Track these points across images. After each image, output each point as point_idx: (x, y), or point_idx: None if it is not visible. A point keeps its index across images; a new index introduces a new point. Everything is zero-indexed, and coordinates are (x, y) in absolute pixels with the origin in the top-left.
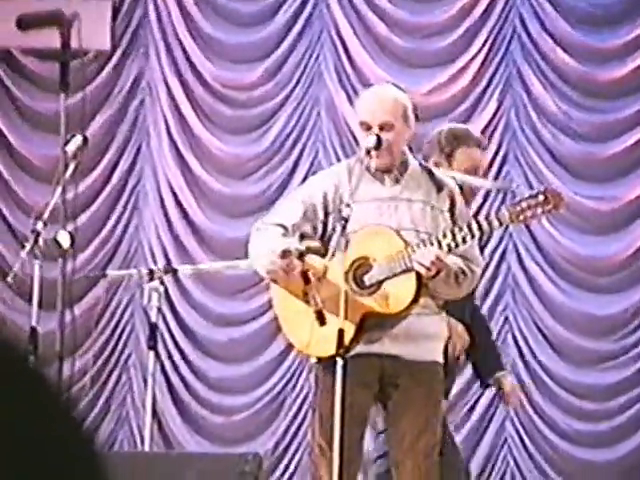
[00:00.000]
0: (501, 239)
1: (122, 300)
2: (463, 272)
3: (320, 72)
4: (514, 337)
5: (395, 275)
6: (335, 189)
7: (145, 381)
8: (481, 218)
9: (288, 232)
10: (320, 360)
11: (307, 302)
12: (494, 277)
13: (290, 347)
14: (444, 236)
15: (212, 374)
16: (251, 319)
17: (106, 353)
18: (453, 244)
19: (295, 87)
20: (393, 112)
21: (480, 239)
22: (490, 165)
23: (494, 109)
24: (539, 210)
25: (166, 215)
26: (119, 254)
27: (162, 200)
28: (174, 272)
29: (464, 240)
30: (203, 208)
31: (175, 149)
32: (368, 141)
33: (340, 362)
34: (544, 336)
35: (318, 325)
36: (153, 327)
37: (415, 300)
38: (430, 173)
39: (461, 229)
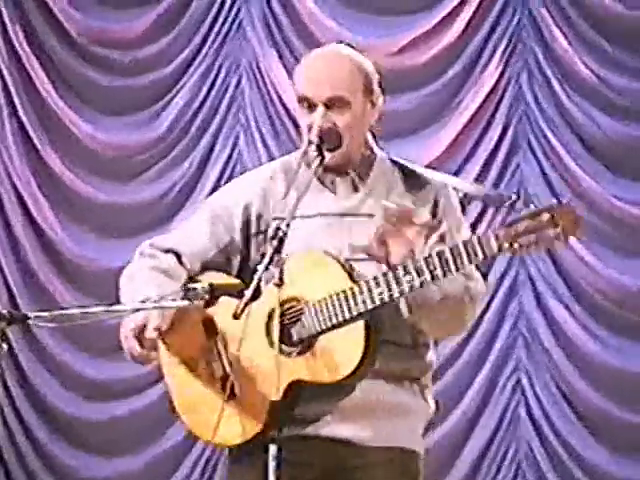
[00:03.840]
0: (509, 265)
1: None
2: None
3: (240, 22)
4: (529, 410)
5: (334, 327)
6: (262, 199)
7: None
8: (461, 246)
9: (183, 263)
10: (232, 452)
11: (208, 364)
12: (499, 321)
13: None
14: (406, 272)
15: (85, 473)
16: (143, 388)
17: None
18: (417, 283)
19: (203, 44)
20: (348, 83)
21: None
22: (491, 158)
23: (497, 73)
24: (542, 237)
25: (10, 233)
26: None
27: (2, 209)
28: (22, 320)
29: (433, 277)
30: (66, 224)
31: (22, 134)
32: (311, 146)
33: (273, 449)
34: (573, 408)
35: (225, 399)
36: None
37: (362, 363)
38: (408, 172)
39: (429, 263)
